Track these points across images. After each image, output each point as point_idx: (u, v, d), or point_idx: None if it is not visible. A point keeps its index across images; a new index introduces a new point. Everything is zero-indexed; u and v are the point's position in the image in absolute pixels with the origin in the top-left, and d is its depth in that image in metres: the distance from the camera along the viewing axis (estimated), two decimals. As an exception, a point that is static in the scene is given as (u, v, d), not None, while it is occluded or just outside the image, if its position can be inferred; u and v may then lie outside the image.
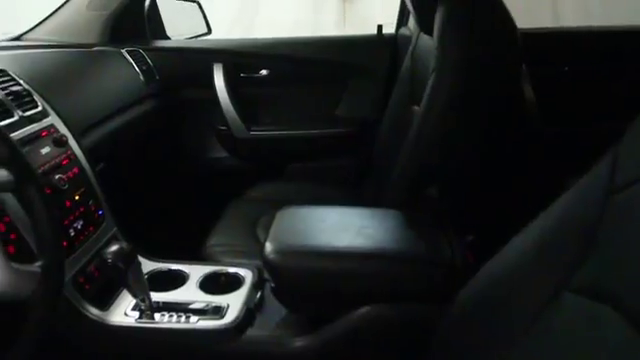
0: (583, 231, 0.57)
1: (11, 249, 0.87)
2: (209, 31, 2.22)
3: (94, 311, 1.09)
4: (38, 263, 0.77)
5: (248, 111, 1.93)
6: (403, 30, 1.92)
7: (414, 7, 1.29)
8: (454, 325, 0.75)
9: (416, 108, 1.34)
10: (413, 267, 1.00)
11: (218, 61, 1.89)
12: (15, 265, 0.73)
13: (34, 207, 0.79)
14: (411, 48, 1.57)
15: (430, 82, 1.18)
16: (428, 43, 1.31)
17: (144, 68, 1.83)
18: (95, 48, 1.78)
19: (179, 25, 2.15)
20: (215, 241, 1.45)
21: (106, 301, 1.13)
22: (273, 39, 1.97)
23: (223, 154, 2.01)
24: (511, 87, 1.26)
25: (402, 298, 1.00)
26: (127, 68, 1.79)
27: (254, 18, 5.22)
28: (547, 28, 1.94)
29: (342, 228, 1.07)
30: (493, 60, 1.17)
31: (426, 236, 1.06)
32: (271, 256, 1.00)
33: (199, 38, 2.16)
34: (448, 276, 0.97)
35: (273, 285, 1.05)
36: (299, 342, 1.06)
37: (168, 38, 2.07)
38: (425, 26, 1.30)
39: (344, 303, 1.01)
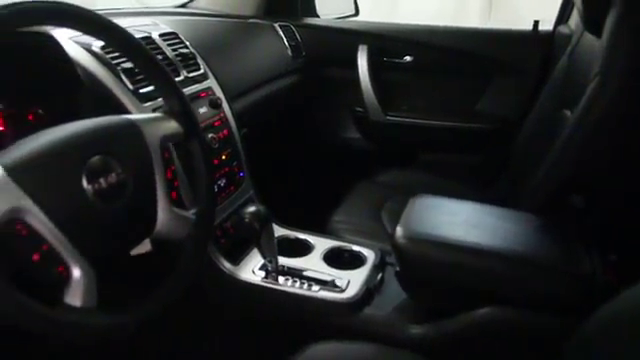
0: None
1: (174, 195, 0.96)
2: (357, 12, 2.24)
3: (226, 264, 1.17)
4: (193, 210, 0.84)
5: (386, 96, 1.93)
6: (562, 28, 1.80)
7: (583, 5, 1.20)
8: (591, 343, 0.71)
9: (567, 112, 1.27)
10: (548, 275, 0.96)
11: (364, 43, 1.91)
12: (175, 210, 0.80)
13: (196, 159, 0.86)
14: (570, 48, 1.47)
15: (591, 86, 1.10)
16: (593, 44, 1.22)
17: (293, 43, 1.90)
18: (251, 20, 1.88)
19: (329, 4, 2.19)
20: (340, 218, 1.48)
21: (237, 257, 1.21)
22: (421, 26, 1.94)
23: (356, 135, 2.04)
24: None
25: (531, 305, 0.96)
26: (278, 42, 1.86)
27: (396, 2, 5.17)
28: None
29: (476, 224, 1.04)
30: None
31: (565, 246, 1.01)
32: (401, 241, 1.01)
33: (347, 19, 2.18)
34: (586, 291, 0.92)
35: (398, 269, 1.06)
36: (414, 329, 1.06)
37: (317, 16, 2.12)
38: (592, 26, 1.21)
39: (468, 300, 1.00)
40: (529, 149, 1.51)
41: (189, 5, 1.93)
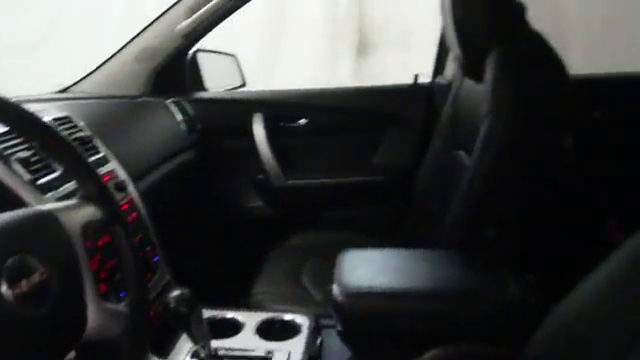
0: None
1: (102, 287, 0.87)
2: (243, 83, 2.26)
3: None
4: (125, 302, 0.77)
5: (286, 160, 1.96)
6: (439, 79, 1.97)
7: (463, 54, 1.31)
8: None
9: (461, 153, 1.36)
10: (481, 306, 1.00)
11: (257, 111, 1.94)
12: (106, 304, 0.73)
13: (121, 247, 0.80)
14: (452, 95, 1.60)
15: (485, 125, 1.19)
16: (475, 89, 1.33)
17: (186, 118, 1.88)
18: (141, 99, 1.83)
19: (216, 78, 2.19)
20: (262, 289, 1.45)
21: (164, 348, 1.12)
22: (312, 90, 2.02)
23: (260, 203, 2.03)
24: (562, 132, 1.27)
25: (473, 339, 0.98)
26: (171, 118, 1.83)
27: (272, 72, 5.33)
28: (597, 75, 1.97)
29: (408, 270, 1.07)
30: (546, 105, 1.19)
31: (492, 276, 1.06)
32: (340, 298, 1.00)
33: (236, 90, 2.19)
34: (520, 315, 0.96)
35: (339, 329, 1.04)
36: None
37: (206, 90, 2.11)
38: (473, 72, 1.32)
39: (412, 345, 0.99)
40: (430, 192, 1.59)
41: (71, 89, 1.84)
